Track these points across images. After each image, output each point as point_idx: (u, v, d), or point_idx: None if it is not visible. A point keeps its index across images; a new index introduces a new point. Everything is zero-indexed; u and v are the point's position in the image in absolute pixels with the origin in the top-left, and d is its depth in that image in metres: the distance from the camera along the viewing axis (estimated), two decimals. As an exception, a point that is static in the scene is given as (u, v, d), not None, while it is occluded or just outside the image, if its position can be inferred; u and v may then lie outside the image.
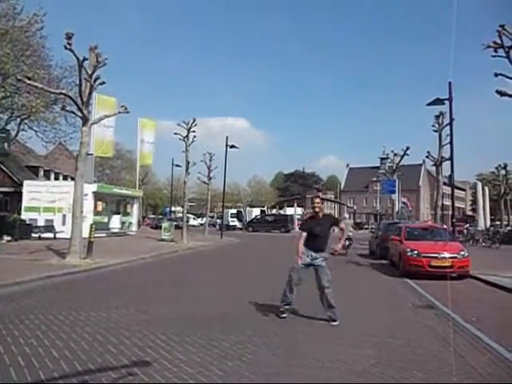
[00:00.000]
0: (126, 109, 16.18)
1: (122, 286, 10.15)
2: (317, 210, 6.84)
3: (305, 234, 6.90)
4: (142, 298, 8.36)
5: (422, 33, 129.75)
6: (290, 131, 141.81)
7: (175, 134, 25.94)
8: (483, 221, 32.56)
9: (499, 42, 11.73)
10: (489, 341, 5.66)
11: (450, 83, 17.53)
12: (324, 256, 6.82)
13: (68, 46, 12.92)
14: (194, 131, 26.01)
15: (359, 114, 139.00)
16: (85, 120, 14.17)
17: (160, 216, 57.38)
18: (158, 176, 74.70)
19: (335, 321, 6.59)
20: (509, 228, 35.61)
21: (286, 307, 6.93)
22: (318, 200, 6.89)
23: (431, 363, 4.74)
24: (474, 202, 47.05)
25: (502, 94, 11.94)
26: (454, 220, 19.11)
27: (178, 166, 37.85)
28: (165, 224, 27.27)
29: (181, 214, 40.32)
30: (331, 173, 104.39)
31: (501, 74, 11.79)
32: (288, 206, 59.61)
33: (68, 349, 4.91)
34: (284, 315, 6.88)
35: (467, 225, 32.80)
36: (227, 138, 32.41)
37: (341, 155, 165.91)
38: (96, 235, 15.10)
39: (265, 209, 58.81)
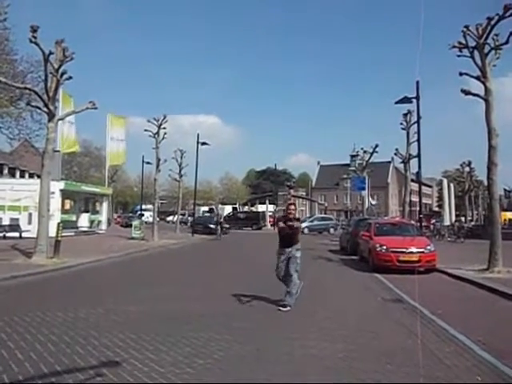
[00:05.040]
0: (94, 104, 15.80)
1: (90, 285, 9.95)
2: (290, 216, 7.56)
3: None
4: (111, 297, 8.21)
5: (391, 32, 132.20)
6: (262, 129, 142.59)
7: (145, 130, 25.62)
8: (449, 216, 33.48)
9: (464, 42, 12.08)
10: (454, 332, 5.85)
11: (417, 82, 17.93)
12: (295, 247, 7.52)
13: (33, 40, 12.54)
14: (164, 128, 25.70)
15: (329, 112, 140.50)
16: (51, 116, 13.78)
17: (130, 214, 56.44)
18: (128, 173, 73.63)
19: (285, 307, 7.11)
20: (473, 223, 36.84)
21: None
22: (292, 207, 7.64)
23: (399, 355, 4.84)
24: (440, 198, 48.29)
25: (466, 92, 12.32)
26: (421, 216, 19.60)
27: (148, 163, 37.21)
28: (135, 222, 26.86)
29: (148, 213, 38.99)
30: (303, 170, 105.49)
31: (465, 74, 12.15)
32: (260, 203, 59.66)
33: (34, 351, 4.77)
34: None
35: (434, 220, 33.70)
36: (198, 134, 32.17)
37: (312, 153, 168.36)
38: (64, 234, 14.71)
39: (237, 206, 58.71)
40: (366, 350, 5.06)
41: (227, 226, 35.89)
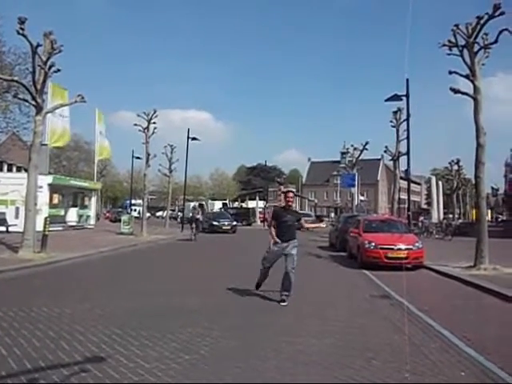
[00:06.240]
0: (82, 98, 15.61)
1: (77, 280, 9.85)
2: (290, 203, 7.82)
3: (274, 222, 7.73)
4: (98, 292, 8.16)
5: (382, 28, 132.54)
6: (253, 125, 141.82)
7: (135, 125, 25.44)
8: (437, 214, 33.81)
9: (454, 40, 12.13)
10: (440, 328, 5.89)
11: (407, 80, 18.02)
12: (294, 244, 7.49)
13: (21, 31, 12.35)
14: (154, 123, 25.56)
15: (320, 109, 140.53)
16: (38, 109, 13.60)
17: (119, 209, 56.09)
18: (117, 168, 72.97)
19: (284, 301, 7.28)
20: (460, 221, 37.19)
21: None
22: (291, 195, 7.94)
23: (386, 351, 4.86)
24: (429, 195, 48.69)
25: (455, 91, 12.38)
26: (409, 213, 19.74)
27: (138, 158, 37.09)
28: (124, 217, 26.69)
29: (138, 208, 38.25)
30: (293, 166, 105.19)
31: (455, 72, 12.21)
32: (250, 200, 59.69)
33: (17, 346, 4.70)
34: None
35: (422, 217, 33.96)
36: (189, 130, 32.08)
37: (302, 149, 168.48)
38: (52, 228, 14.59)
39: (227, 202, 58.67)
40: (354, 345, 5.07)
41: (235, 222, 32.94)
